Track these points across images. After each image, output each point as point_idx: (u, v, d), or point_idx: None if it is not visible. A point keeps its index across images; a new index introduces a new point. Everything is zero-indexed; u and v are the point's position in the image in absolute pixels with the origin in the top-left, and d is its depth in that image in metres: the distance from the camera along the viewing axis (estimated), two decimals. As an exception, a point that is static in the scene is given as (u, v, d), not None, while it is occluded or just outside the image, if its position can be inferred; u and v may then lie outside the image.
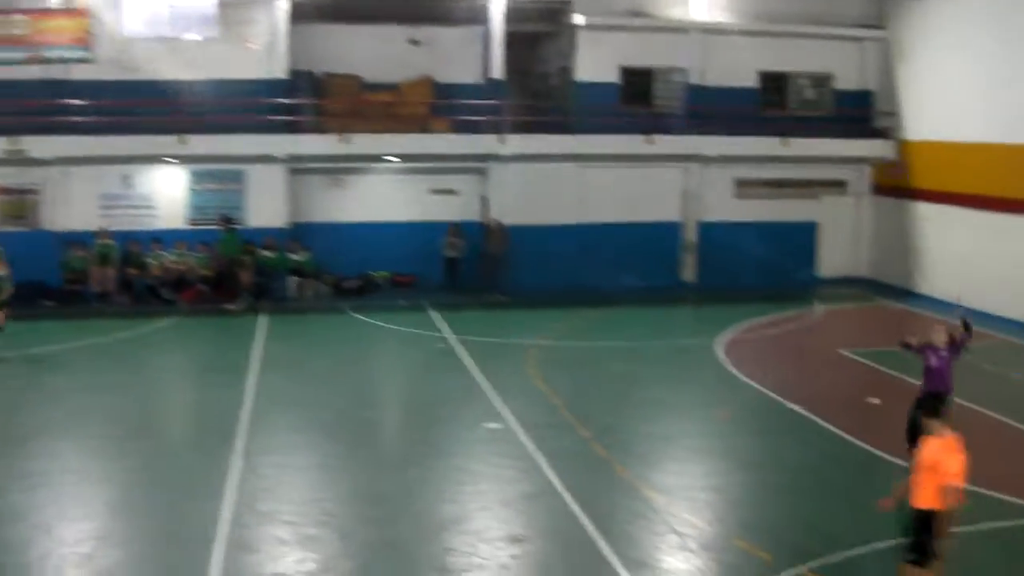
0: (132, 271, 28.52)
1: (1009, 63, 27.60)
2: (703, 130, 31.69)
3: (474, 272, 30.88)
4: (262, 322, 26.54)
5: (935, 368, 15.70)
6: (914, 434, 15.55)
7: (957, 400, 16.45)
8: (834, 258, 34.38)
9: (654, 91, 32.97)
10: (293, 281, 29.65)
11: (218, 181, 30.01)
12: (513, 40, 31.41)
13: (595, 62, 31.84)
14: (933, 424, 10.68)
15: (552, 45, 33.75)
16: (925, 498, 10.54)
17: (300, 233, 30.28)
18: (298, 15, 29.93)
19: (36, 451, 16.51)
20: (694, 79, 32.62)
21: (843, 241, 34.42)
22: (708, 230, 32.95)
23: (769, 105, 33.46)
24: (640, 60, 32.48)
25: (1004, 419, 18.50)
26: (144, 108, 27.83)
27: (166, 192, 29.83)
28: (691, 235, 33.01)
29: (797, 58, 33.63)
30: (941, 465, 10.39)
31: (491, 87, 30.99)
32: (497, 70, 30.98)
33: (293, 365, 22.57)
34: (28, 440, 17.06)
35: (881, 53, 33.58)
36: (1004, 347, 24.21)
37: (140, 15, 28.00)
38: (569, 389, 20.57)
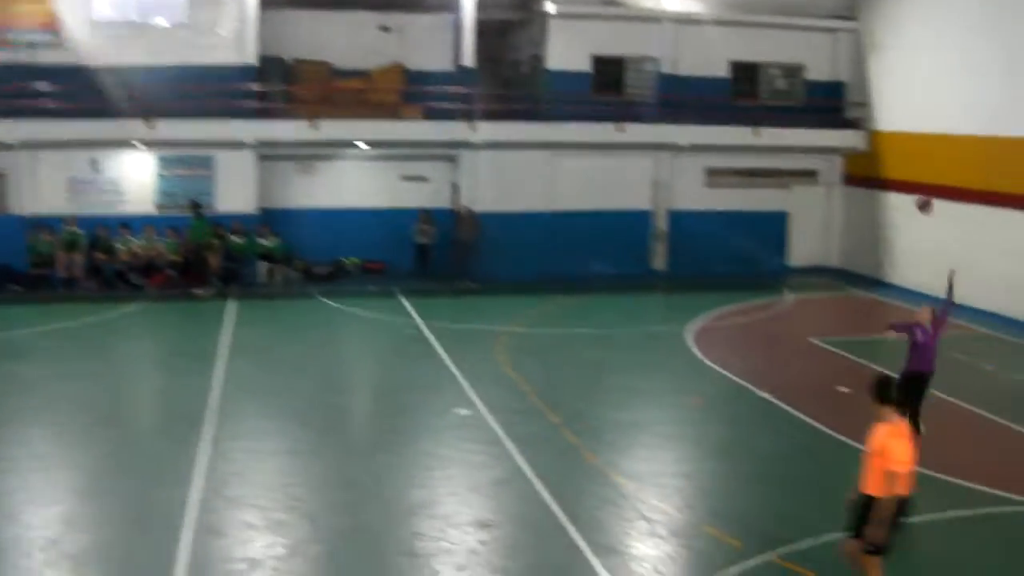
0: (100, 256, 28.29)
1: (980, 55, 27.77)
2: (675, 119, 31.71)
3: (445, 259, 30.82)
4: (231, 308, 26.40)
5: (922, 344, 15.93)
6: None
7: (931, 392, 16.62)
8: (804, 247, 34.53)
9: (626, 80, 32.97)
10: (263, 267, 29.51)
11: (187, 166, 29.77)
12: (484, 27, 31.33)
13: (567, 50, 31.81)
14: (882, 410, 10.60)
15: (524, 33, 33.68)
16: (873, 484, 10.45)
17: (270, 219, 30.11)
18: (268, 1, 29.73)
19: (3, 437, 16.39)
20: (666, 68, 32.65)
21: (814, 231, 34.57)
22: (679, 219, 32.99)
23: (741, 95, 33.52)
24: (612, 49, 32.48)
25: (975, 409, 18.59)
26: (111, 94, 27.65)
27: (134, 177, 29.56)
28: (662, 224, 33.04)
29: (769, 48, 33.72)
30: (887, 451, 10.31)
31: (462, 74, 30.90)
32: (468, 57, 30.89)
33: (262, 351, 22.46)
34: (-6, 425, 16.94)
35: (853, 44, 33.71)
36: (976, 338, 24.34)
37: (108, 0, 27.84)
38: (539, 376, 20.57)
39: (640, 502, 14.04)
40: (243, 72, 29.23)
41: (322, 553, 12.42)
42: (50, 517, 13.11)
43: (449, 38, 31.76)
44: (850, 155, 33.85)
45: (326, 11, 30.92)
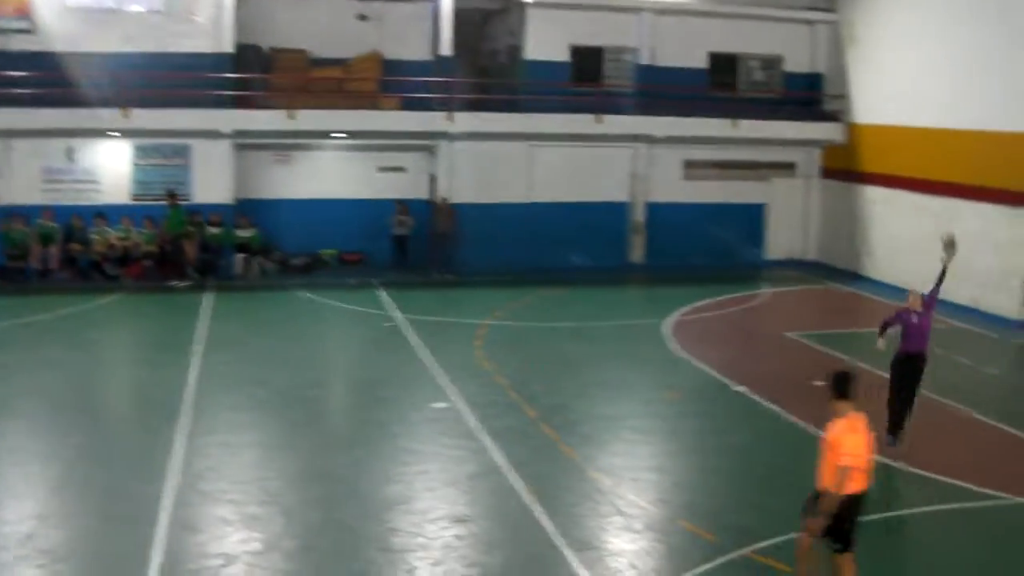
0: (75, 247, 28.11)
1: (958, 48, 27.85)
2: (652, 111, 31.71)
3: (422, 250, 30.76)
4: (207, 299, 26.27)
5: (916, 324, 15.91)
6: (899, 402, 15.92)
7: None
8: (782, 240, 34.61)
9: (604, 71, 32.94)
10: (239, 258, 29.36)
11: (163, 156, 29.58)
12: (462, 17, 31.23)
13: (545, 40, 31.75)
14: (839, 405, 10.57)
15: (502, 23, 33.59)
16: (826, 478, 10.46)
17: (246, 209, 29.92)
18: (245, -12, 29.61)
19: (-24, 429, 16.31)
20: (644, 59, 32.63)
21: (791, 223, 34.64)
22: (657, 211, 32.98)
23: (719, 86, 33.53)
24: (590, 39, 32.45)
25: (950, 403, 18.62)
26: (86, 81, 27.41)
27: (110, 166, 29.33)
28: (640, 216, 33.03)
29: (747, 40, 33.77)
30: (841, 445, 10.28)
31: (440, 64, 30.78)
32: (446, 47, 30.76)
33: (239, 343, 22.37)
34: (-33, 418, 16.83)
35: (831, 36, 33.77)
36: (951, 332, 24.38)
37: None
38: (516, 369, 20.55)
39: (616, 496, 14.04)
40: (220, 60, 29.01)
41: (298, 548, 12.36)
42: (24, 512, 13.03)
43: (427, 27, 31.60)
44: (828, 148, 33.91)
45: (304, -1, 30.84)
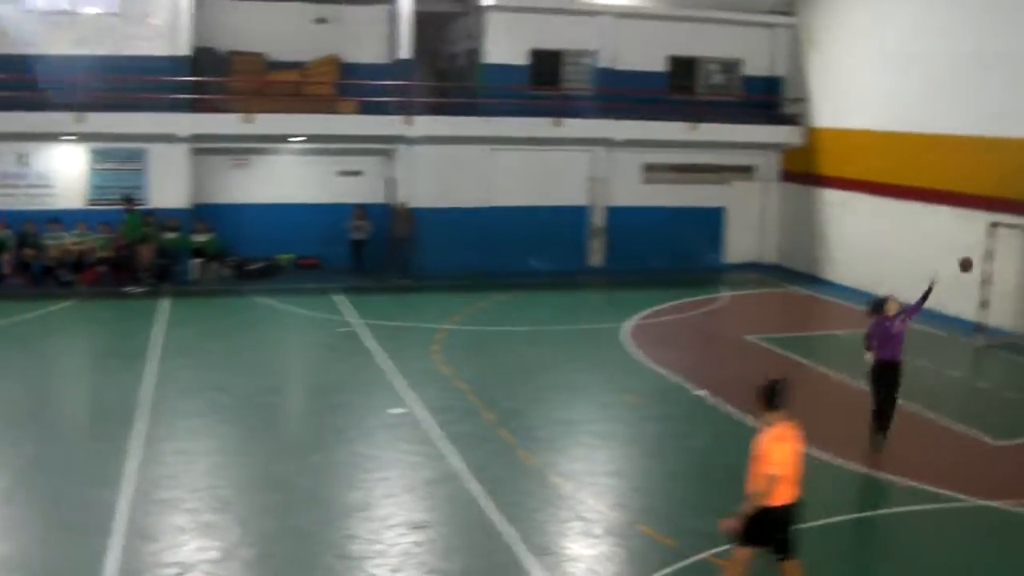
0: (29, 252, 27.77)
1: (916, 52, 28.07)
2: (612, 114, 31.73)
3: (380, 255, 30.61)
4: (163, 305, 26.00)
5: (896, 334, 16.20)
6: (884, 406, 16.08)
7: (865, 389, 16.73)
8: (741, 244, 34.68)
9: (563, 74, 32.92)
10: (195, 263, 29.10)
11: (119, 160, 29.26)
12: (421, 20, 31.14)
13: (504, 44, 31.67)
14: (768, 415, 10.49)
15: (461, 26, 33.51)
16: (752, 486, 10.40)
17: (203, 214, 29.68)
18: (202, -9, 29.40)
19: (-74, 438, 16.06)
20: (604, 62, 32.64)
21: (750, 227, 34.73)
22: (616, 214, 32.97)
23: (678, 90, 33.57)
24: (550, 42, 32.39)
25: (911, 406, 18.63)
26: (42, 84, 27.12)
27: (65, 171, 28.96)
28: (599, 219, 33.03)
29: (707, 43, 33.84)
30: (768, 455, 10.23)
31: (399, 67, 30.68)
32: (405, 50, 30.68)
33: (195, 349, 22.15)
34: (-83, 426, 16.58)
35: (791, 40, 33.91)
36: (912, 335, 24.40)
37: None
38: (475, 374, 20.46)
39: (576, 501, 14.00)
40: (176, 63, 28.78)
41: (255, 556, 12.24)
42: (-26, 521, 12.84)
43: (386, 30, 31.52)
44: (787, 151, 34.05)
45: (261, 2, 30.58)
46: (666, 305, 27.64)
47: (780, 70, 34.27)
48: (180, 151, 29.29)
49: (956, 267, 17.68)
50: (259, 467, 15.30)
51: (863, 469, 15.60)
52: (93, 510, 13.25)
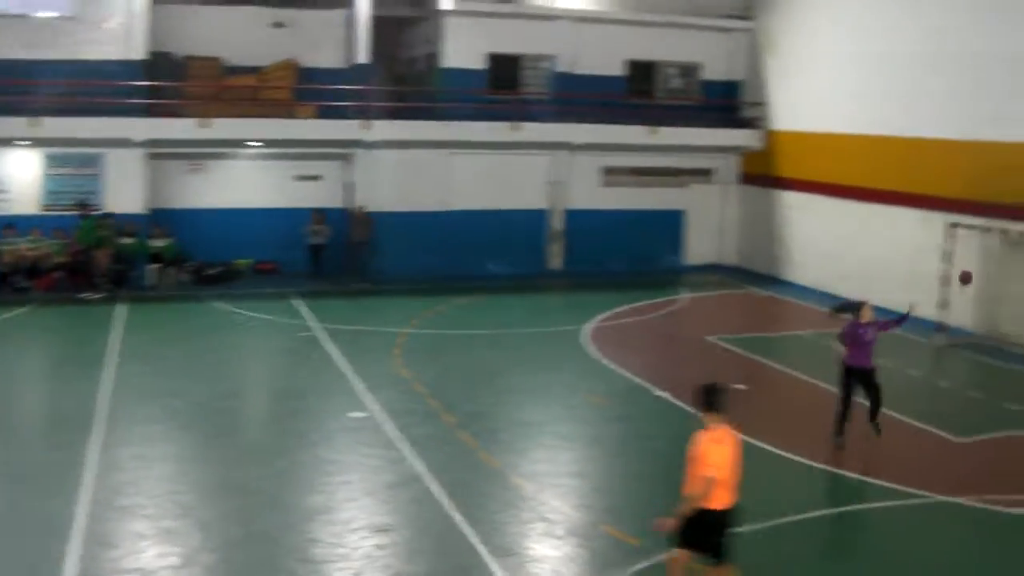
0: (-18, 258, 27.51)
1: (872, 56, 28.37)
2: (570, 118, 31.75)
3: (339, 259, 30.49)
4: (120, 311, 25.76)
5: (868, 341, 16.39)
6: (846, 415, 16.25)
7: (826, 388, 16.82)
8: (701, 246, 34.82)
9: (522, 78, 32.95)
10: (153, 268, 28.86)
11: (74, 165, 28.99)
12: (379, 24, 31.09)
13: (462, 48, 31.66)
14: (706, 417, 10.47)
15: (419, 30, 33.46)
16: (688, 488, 10.38)
17: (160, 219, 29.44)
18: (158, -6, 29.17)
19: None
20: (562, 67, 32.68)
21: (710, 229, 34.87)
22: (575, 218, 33.01)
23: (637, 94, 33.67)
24: (508, 47, 32.41)
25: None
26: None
27: (19, 176, 28.67)
28: (558, 223, 33.04)
29: (665, 47, 33.99)
30: (705, 457, 10.21)
31: (356, 72, 30.59)
32: (363, 54, 30.61)
33: (153, 355, 21.93)
34: None
35: (749, 44, 34.11)
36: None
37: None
38: (435, 377, 20.41)
39: (538, 503, 13.97)
40: (132, 68, 28.54)
41: (216, 561, 12.13)
42: (-72, 530, 12.66)
43: (343, 34, 31.43)
44: (746, 154, 34.23)
45: (218, 6, 30.41)
46: (626, 307, 27.68)
47: (739, 74, 34.45)
48: (136, 156, 29.06)
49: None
50: (219, 472, 15.17)
51: (827, 467, 15.68)
52: (51, 516, 13.10)
